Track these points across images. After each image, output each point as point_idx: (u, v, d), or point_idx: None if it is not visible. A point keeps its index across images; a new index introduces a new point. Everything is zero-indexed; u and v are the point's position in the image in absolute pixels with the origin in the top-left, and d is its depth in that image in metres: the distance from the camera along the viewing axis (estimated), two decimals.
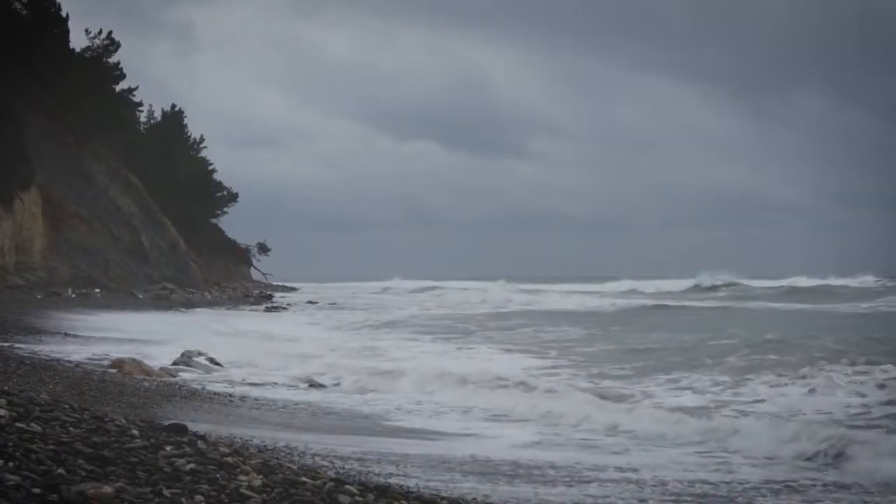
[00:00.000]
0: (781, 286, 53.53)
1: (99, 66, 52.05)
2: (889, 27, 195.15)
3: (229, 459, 5.49)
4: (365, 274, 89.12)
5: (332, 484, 5.39)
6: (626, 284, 64.93)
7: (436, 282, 78.84)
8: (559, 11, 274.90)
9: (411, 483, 7.51)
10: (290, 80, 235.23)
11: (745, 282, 58.82)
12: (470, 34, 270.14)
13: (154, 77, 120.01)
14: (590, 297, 51.47)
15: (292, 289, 68.16)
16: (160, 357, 16.37)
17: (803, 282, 56.37)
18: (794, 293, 49.47)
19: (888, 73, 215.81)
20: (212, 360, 16.54)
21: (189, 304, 39.30)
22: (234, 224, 68.81)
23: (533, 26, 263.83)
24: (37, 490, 4.26)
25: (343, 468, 7.95)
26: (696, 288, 58.28)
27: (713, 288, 57.67)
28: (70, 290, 36.79)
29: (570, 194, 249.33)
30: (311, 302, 49.15)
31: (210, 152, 66.23)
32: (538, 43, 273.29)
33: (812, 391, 13.99)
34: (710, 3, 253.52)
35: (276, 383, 14.49)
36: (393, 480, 7.48)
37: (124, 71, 54.32)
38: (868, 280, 57.41)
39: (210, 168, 65.36)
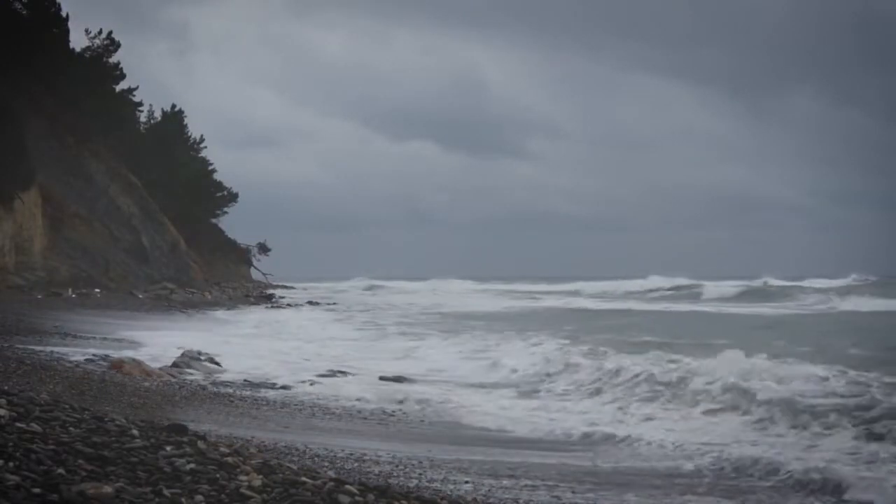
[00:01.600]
0: (737, 287, 53.22)
1: (99, 66, 52.06)
2: (887, 27, 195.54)
3: (229, 459, 5.49)
4: (360, 274, 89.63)
5: (332, 484, 5.39)
6: (578, 286, 65.78)
7: (384, 281, 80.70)
8: (557, 11, 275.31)
9: None
10: (286, 80, 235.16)
11: (705, 283, 58.40)
12: (467, 34, 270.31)
13: (150, 77, 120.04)
14: (518, 299, 52.41)
15: (292, 288, 68.12)
16: (160, 357, 16.36)
17: (771, 282, 56.35)
18: (743, 295, 49.31)
19: (887, 74, 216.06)
20: (212, 361, 16.53)
21: (189, 304, 39.27)
22: (235, 224, 68.90)
23: (530, 26, 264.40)
24: (37, 490, 4.27)
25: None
26: (645, 289, 58.50)
27: (677, 289, 57.53)
28: (70, 290, 36.76)
29: (570, 194, 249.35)
30: (311, 302, 49.13)
31: (207, 152, 66.34)
32: (536, 43, 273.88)
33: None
34: (708, 3, 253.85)
35: (275, 384, 14.48)
36: None
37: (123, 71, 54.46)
38: (847, 280, 57.22)
39: (210, 168, 65.39)
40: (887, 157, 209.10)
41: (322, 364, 17.41)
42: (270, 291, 57.86)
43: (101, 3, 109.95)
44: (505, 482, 8.02)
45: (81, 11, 78.46)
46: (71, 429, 5.53)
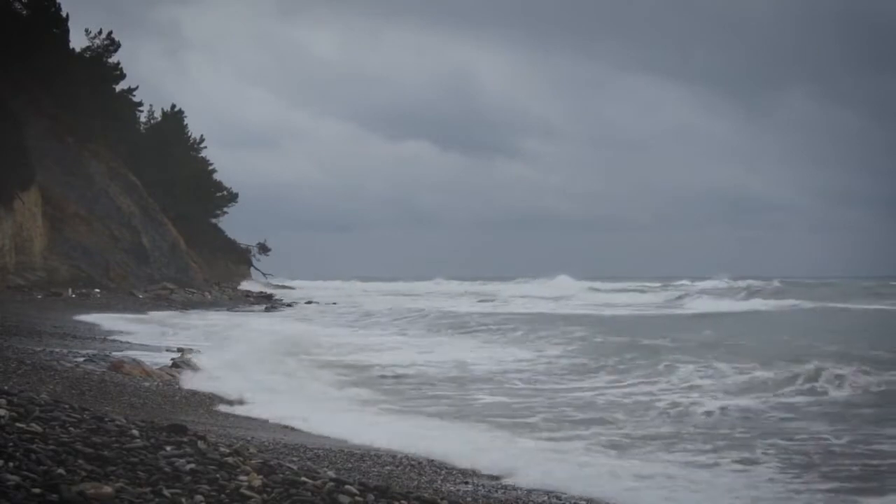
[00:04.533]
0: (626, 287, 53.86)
1: (99, 66, 52.08)
2: (888, 28, 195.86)
3: (229, 459, 5.49)
4: (359, 274, 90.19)
5: (332, 484, 5.39)
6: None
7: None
8: (550, 12, 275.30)
9: None
10: (280, 80, 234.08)
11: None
12: (461, 34, 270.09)
13: (143, 77, 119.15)
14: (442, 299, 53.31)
15: (291, 288, 68.13)
16: (160, 357, 16.36)
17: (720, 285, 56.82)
18: (630, 295, 50.49)
19: (886, 73, 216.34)
20: (212, 361, 16.50)
21: (189, 304, 39.28)
22: (235, 224, 68.85)
23: (524, 26, 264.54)
24: (37, 490, 4.26)
25: None
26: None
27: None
28: (70, 290, 36.78)
29: (566, 195, 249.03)
30: (309, 302, 49.16)
31: (205, 152, 66.30)
32: (531, 42, 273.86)
33: None
34: (707, 3, 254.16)
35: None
36: None
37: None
38: (770, 282, 57.14)
39: (210, 168, 65.38)
40: (887, 158, 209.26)
41: (321, 364, 17.40)
42: (270, 291, 57.89)
43: (91, 3, 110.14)
44: None
45: (72, 11, 78.28)
46: (71, 429, 5.53)
